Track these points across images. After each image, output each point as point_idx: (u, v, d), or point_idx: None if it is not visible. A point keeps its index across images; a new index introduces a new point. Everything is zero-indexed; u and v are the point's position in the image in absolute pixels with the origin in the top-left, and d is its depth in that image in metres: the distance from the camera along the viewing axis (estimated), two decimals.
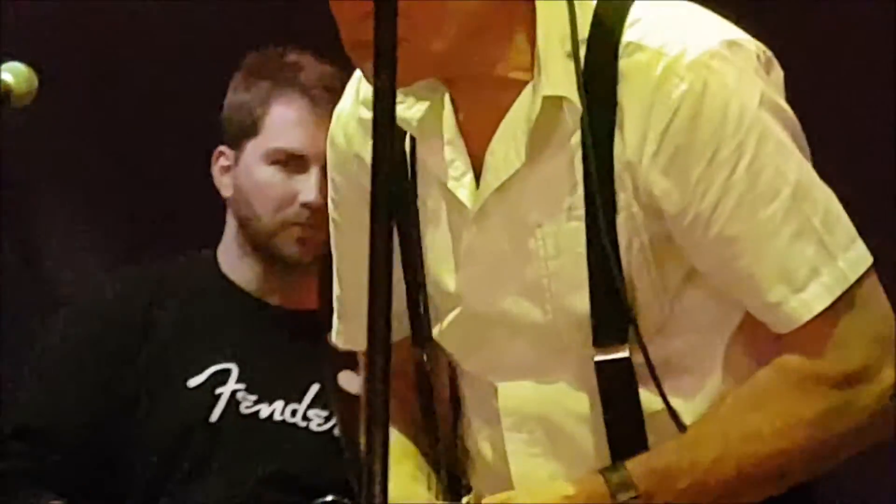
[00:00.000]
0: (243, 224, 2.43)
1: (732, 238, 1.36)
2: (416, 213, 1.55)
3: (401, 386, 1.49)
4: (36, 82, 1.93)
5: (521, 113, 1.42)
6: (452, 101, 1.48)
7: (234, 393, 2.37)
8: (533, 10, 1.41)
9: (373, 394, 0.87)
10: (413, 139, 1.51)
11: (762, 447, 1.37)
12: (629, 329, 1.40)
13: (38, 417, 2.41)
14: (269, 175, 2.39)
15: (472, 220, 1.49)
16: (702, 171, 1.36)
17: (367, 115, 1.43)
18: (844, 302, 1.34)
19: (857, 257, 1.36)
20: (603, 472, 1.41)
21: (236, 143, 2.42)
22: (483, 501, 1.45)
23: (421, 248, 1.52)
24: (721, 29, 1.42)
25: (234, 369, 2.39)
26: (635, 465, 1.39)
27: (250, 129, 2.40)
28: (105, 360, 2.42)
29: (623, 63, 1.38)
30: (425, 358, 1.53)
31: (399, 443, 1.56)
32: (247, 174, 2.41)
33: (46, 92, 1.94)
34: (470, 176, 1.49)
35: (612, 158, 1.40)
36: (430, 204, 1.55)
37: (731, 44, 1.40)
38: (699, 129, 1.36)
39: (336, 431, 2.32)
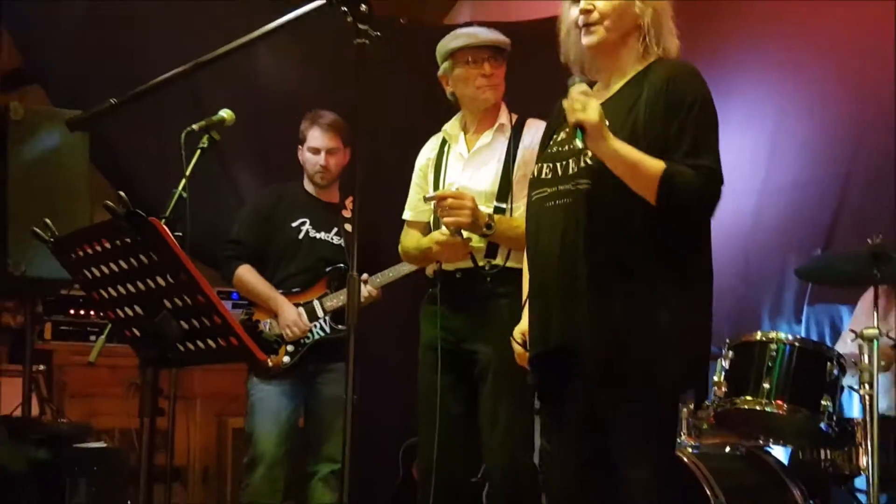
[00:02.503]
0: (305, 171, 4.35)
1: None
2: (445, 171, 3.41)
3: None
4: (234, 116, 3.34)
5: (492, 128, 3.38)
6: (465, 124, 3.46)
7: (307, 230, 4.28)
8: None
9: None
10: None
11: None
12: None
13: (239, 235, 4.35)
14: (309, 156, 4.30)
15: (466, 162, 3.39)
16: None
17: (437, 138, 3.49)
18: None
19: None
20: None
21: (301, 144, 4.34)
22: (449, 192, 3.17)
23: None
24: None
25: (308, 220, 4.28)
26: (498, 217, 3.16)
27: (303, 139, 4.32)
28: (262, 218, 4.33)
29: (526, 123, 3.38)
30: None
31: None
32: (303, 156, 4.33)
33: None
34: (465, 147, 3.40)
35: (518, 143, 3.32)
36: (451, 163, 3.41)
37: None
38: (537, 135, 2.93)
39: (342, 244, 4.24)
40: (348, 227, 4.23)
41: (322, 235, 4.30)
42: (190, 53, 2.49)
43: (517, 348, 2.77)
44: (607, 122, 2.40)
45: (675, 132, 2.45)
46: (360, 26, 2.13)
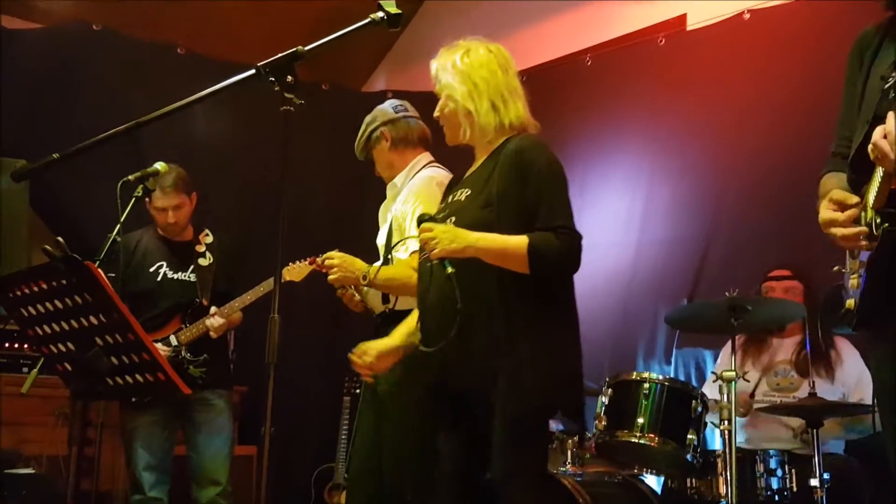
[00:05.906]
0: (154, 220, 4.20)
1: None
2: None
3: None
4: (168, 167, 3.50)
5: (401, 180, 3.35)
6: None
7: (165, 272, 4.15)
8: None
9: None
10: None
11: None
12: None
13: None
14: (156, 213, 4.13)
15: (380, 217, 3.38)
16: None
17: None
18: None
19: None
20: None
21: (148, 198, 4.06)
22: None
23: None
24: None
25: (165, 263, 4.16)
26: None
27: (149, 198, 4.05)
28: (123, 266, 4.07)
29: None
30: None
31: None
32: (151, 210, 4.15)
33: None
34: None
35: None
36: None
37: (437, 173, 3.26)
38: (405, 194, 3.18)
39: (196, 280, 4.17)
40: (202, 261, 4.20)
41: (179, 275, 4.18)
42: (129, 107, 2.46)
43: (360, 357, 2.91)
44: (468, 193, 2.70)
45: (532, 200, 2.58)
46: (287, 95, 2.14)
